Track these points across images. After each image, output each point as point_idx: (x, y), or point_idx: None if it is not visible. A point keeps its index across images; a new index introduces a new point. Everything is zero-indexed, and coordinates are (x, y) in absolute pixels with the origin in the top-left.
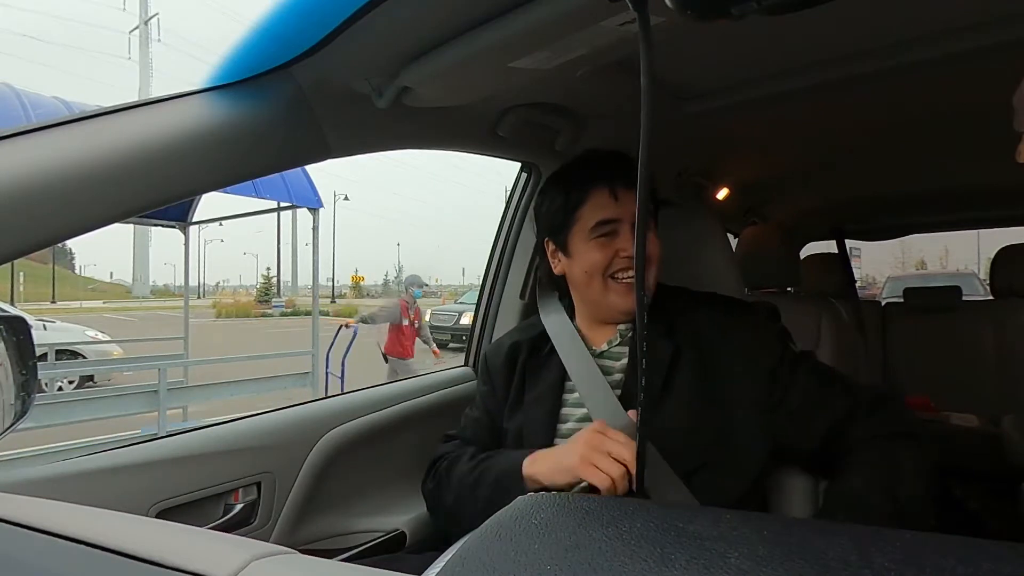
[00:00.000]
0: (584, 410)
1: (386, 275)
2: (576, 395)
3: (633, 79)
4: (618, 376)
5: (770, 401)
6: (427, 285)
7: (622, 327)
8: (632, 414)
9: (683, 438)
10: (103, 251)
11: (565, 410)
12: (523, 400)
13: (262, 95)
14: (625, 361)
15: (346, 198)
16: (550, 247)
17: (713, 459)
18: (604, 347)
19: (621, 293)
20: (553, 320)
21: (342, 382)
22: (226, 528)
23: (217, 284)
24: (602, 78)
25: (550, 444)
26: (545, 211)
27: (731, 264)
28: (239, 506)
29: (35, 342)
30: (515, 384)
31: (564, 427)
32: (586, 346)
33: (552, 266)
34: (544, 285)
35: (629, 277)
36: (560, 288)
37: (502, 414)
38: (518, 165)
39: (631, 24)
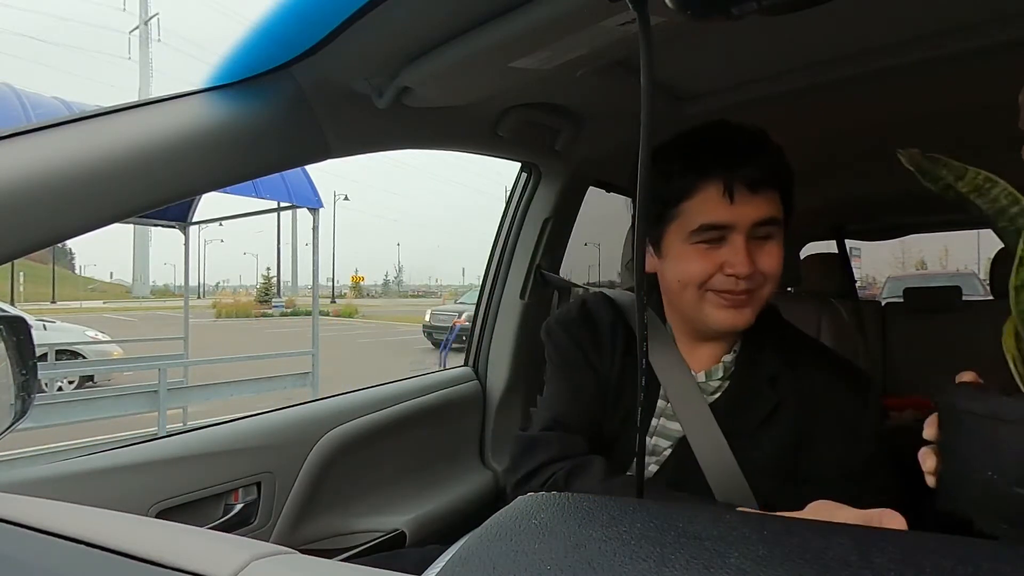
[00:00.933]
0: (677, 432)
1: (386, 275)
2: (667, 410)
3: (633, 79)
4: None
5: (849, 477)
6: None
7: (727, 359)
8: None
9: (755, 497)
10: (103, 251)
11: (655, 437)
12: (622, 393)
13: (262, 95)
14: (719, 396)
15: (346, 198)
16: None
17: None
18: (701, 377)
19: (720, 307)
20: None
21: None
22: (226, 528)
23: (217, 284)
24: (602, 78)
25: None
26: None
27: None
28: (239, 506)
29: (35, 342)
30: (619, 359)
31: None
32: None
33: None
34: (549, 286)
35: (734, 295)
36: (650, 284)
37: (610, 384)
38: (518, 165)
39: (631, 24)
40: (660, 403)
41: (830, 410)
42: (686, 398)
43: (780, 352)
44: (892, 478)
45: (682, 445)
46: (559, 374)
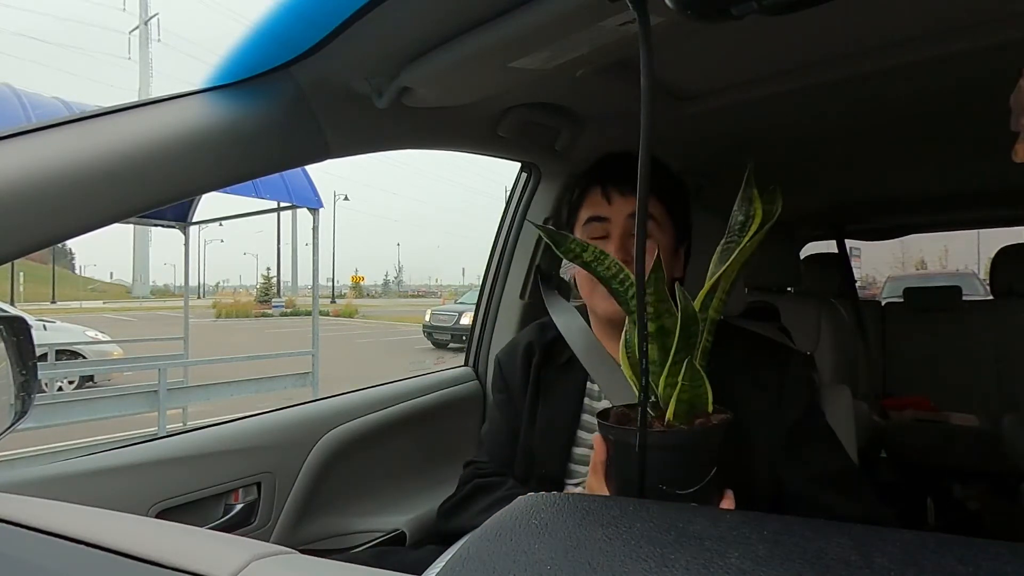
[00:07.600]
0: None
1: (386, 275)
2: (591, 407)
3: (633, 79)
4: None
5: (782, 450)
6: None
7: None
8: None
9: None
10: (103, 251)
11: (582, 433)
12: (536, 415)
13: (262, 95)
14: None
15: (346, 198)
16: None
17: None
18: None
19: (603, 296)
20: (568, 324)
21: None
22: (226, 528)
23: (217, 284)
24: (602, 78)
25: (565, 469)
26: (564, 208)
27: None
28: (239, 506)
29: (35, 342)
30: (530, 392)
31: (578, 451)
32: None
33: None
34: (549, 284)
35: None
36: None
37: (522, 425)
38: (518, 165)
39: (631, 24)
40: (586, 400)
41: (748, 381)
42: (612, 384)
43: None
44: (835, 448)
45: None
46: (491, 412)
